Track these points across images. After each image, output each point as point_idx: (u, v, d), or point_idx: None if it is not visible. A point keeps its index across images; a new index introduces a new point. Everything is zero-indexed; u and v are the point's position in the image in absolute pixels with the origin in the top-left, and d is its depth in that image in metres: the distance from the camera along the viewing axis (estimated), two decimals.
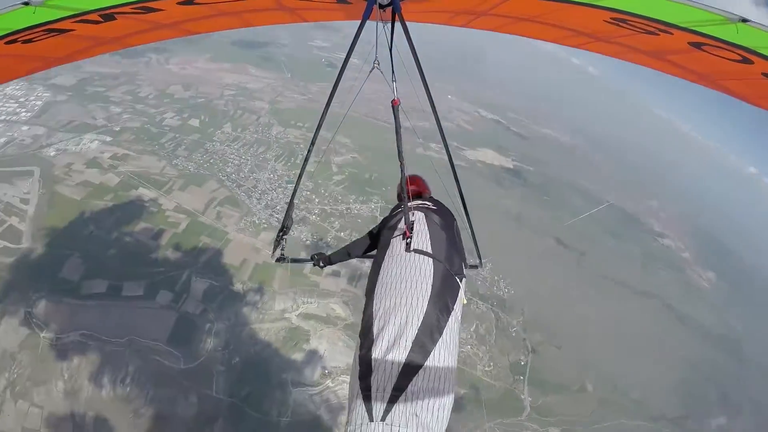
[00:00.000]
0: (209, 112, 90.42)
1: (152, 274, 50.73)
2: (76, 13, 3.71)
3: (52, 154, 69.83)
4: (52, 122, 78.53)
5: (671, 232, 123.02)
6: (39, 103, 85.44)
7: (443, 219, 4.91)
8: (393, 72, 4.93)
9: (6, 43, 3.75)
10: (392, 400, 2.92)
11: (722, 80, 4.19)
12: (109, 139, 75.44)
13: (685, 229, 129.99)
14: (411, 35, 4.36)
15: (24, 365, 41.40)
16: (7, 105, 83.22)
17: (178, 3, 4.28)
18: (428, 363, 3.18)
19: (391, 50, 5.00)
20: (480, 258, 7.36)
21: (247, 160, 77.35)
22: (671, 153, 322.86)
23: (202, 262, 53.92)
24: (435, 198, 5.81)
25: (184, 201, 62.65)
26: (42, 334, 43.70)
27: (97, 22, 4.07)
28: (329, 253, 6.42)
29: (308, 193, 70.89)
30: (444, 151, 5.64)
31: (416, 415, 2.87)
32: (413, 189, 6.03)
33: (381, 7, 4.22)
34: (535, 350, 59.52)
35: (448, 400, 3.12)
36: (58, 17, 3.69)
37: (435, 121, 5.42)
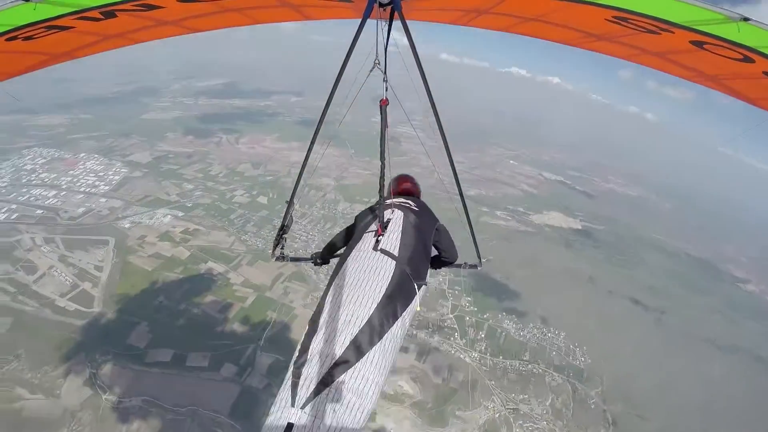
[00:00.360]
0: (277, 190, 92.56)
1: (218, 347, 51.32)
2: (76, 9, 3.76)
3: (127, 226, 73.81)
4: (128, 196, 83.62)
5: (753, 276, 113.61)
6: (117, 177, 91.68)
7: (421, 221, 5.01)
8: (385, 72, 4.96)
9: (7, 39, 3.81)
10: (316, 392, 3.05)
11: (726, 80, 4.24)
12: (181, 214, 79.25)
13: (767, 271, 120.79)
14: (412, 34, 4.49)
15: (83, 423, 41.87)
16: (87, 178, 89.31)
17: (180, 0, 4.28)
18: (360, 364, 3.28)
19: (386, 49, 4.99)
20: (480, 258, 7.19)
21: (315, 236, 77.95)
22: (742, 191, 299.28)
23: (268, 337, 54.11)
24: (421, 200, 5.81)
25: (251, 276, 63.94)
26: (104, 396, 44.39)
27: (97, 20, 4.10)
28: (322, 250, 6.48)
29: None
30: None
31: (334, 411, 2.99)
32: (403, 188, 6.22)
33: (381, 5, 4.26)
34: (616, 423, 54.26)
35: (369, 403, 3.20)
36: (59, 14, 3.73)
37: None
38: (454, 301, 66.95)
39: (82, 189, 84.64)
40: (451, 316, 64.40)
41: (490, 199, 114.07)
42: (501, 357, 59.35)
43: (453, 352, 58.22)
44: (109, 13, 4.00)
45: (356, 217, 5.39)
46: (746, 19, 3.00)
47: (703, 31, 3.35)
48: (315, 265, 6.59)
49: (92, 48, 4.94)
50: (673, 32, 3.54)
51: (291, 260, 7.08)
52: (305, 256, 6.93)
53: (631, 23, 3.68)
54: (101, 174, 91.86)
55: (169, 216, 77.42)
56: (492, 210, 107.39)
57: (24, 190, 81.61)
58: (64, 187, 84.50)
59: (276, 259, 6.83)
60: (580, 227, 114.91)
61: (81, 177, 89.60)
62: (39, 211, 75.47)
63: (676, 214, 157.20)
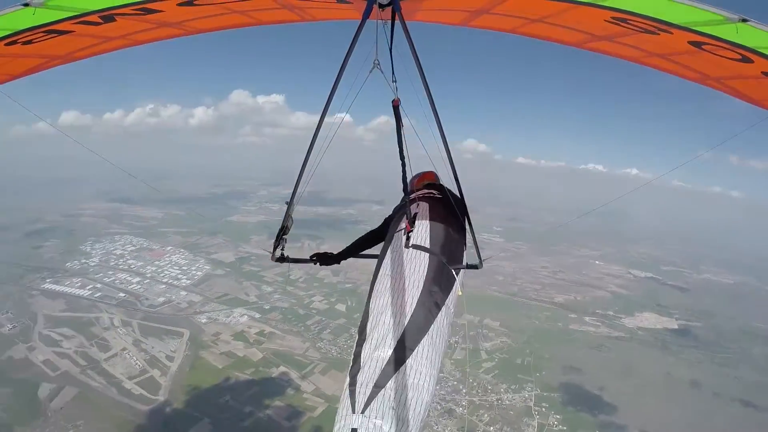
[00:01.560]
0: (356, 298, 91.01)
1: None
2: (76, 14, 3.74)
3: (203, 321, 75.69)
4: (208, 292, 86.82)
5: None
6: (199, 273, 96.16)
7: (448, 207, 5.21)
8: (393, 72, 4.83)
9: (6, 44, 3.83)
10: (372, 395, 3.08)
11: (728, 81, 4.18)
12: (258, 315, 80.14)
13: None
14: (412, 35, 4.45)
15: None
16: (171, 270, 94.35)
17: (178, 4, 4.24)
18: (410, 361, 3.37)
19: (391, 50, 4.85)
20: (480, 258, 6.60)
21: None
22: None
23: None
24: (443, 185, 5.94)
25: (324, 385, 61.45)
26: None
27: (97, 24, 4.10)
28: (338, 252, 6.75)
29: (455, 383, 65.55)
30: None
31: (393, 409, 3.04)
32: (425, 179, 6.29)
33: (381, 6, 4.20)
34: None
35: (427, 395, 3.28)
36: (58, 18, 3.74)
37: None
38: (541, 419, 60.76)
39: (164, 280, 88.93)
40: None
41: (577, 304, 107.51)
42: None
43: None
44: (108, 18, 4.03)
45: (385, 220, 5.73)
46: (745, 20, 2.97)
47: (701, 32, 3.34)
48: (315, 264, 6.81)
49: (91, 50, 4.93)
50: (671, 33, 3.54)
51: (291, 261, 6.99)
52: (306, 258, 6.95)
53: (630, 24, 3.67)
54: (185, 268, 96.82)
55: (246, 316, 78.49)
56: (580, 316, 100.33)
57: (111, 272, 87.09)
58: (148, 275, 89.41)
59: (276, 261, 6.78)
60: (676, 326, 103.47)
61: (165, 268, 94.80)
62: (121, 294, 80.00)
63: None
